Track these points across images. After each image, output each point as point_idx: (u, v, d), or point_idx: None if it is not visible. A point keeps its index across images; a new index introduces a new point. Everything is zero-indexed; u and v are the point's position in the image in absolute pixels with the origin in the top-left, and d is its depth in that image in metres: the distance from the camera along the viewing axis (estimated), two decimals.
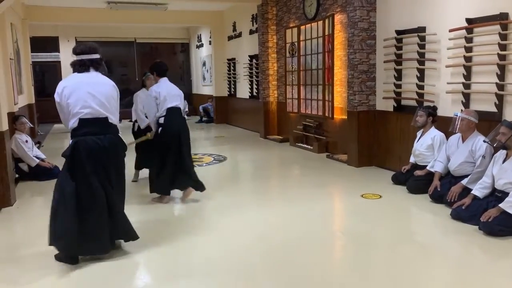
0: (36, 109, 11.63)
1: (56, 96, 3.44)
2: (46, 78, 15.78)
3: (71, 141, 3.38)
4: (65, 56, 14.78)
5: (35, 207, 5.11)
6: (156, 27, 14.83)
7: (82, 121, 3.33)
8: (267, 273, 3.19)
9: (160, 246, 3.70)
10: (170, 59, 18.19)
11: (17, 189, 5.57)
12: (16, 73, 9.05)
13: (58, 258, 3.38)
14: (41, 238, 4.00)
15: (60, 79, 14.53)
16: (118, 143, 3.49)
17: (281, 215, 4.55)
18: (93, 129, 3.34)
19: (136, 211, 4.69)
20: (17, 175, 6.07)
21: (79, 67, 3.48)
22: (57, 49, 14.76)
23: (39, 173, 6.17)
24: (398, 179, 5.40)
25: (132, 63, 16.18)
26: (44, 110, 13.78)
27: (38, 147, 7.16)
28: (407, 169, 5.36)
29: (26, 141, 6.26)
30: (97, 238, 3.33)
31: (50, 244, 3.38)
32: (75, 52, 3.54)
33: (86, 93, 3.35)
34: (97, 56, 3.53)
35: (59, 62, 14.80)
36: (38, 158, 6.33)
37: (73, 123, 3.36)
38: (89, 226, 3.28)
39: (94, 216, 3.31)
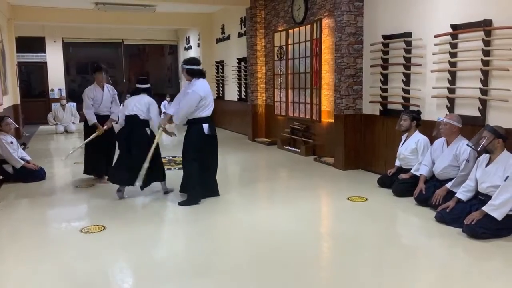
0: (21, 110, 11.48)
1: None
2: (32, 78, 15.60)
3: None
4: (52, 56, 14.66)
5: (20, 209, 5.04)
6: (144, 28, 14.76)
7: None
8: (253, 275, 3.20)
9: (147, 248, 3.69)
10: (158, 61, 18.13)
11: (1, 190, 5.50)
12: (1, 73, 8.93)
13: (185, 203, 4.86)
14: (26, 239, 3.96)
15: (47, 79, 14.63)
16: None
17: (268, 217, 4.57)
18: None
19: (118, 210, 4.66)
20: (1, 177, 5.98)
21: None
22: (43, 50, 14.59)
23: (24, 174, 6.09)
24: (384, 182, 5.46)
25: (120, 64, 16.08)
26: (29, 111, 13.64)
27: (23, 149, 7.07)
28: (392, 172, 5.43)
29: (11, 142, 6.18)
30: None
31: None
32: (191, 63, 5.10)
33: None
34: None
35: (46, 62, 14.64)
36: (23, 159, 6.25)
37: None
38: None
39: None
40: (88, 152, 6.16)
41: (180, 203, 4.90)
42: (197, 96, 4.87)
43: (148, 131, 5.29)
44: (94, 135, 5.90)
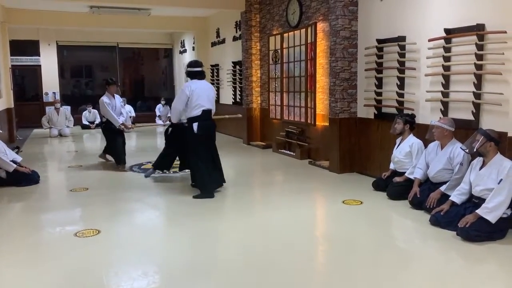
0: (15, 114, 11.41)
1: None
2: (26, 82, 15.53)
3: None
4: (46, 60, 14.60)
5: (13, 213, 5.02)
6: (139, 32, 14.74)
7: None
8: (249, 279, 3.19)
9: (142, 251, 3.68)
10: (153, 65, 18.12)
11: None
12: None
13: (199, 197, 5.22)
14: (19, 244, 3.94)
15: (41, 83, 14.59)
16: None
17: (263, 221, 4.57)
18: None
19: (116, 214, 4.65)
20: None
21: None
22: (37, 53, 14.53)
23: (18, 178, 6.01)
24: (378, 185, 5.47)
25: (114, 68, 16.05)
26: (23, 114, 13.57)
27: (17, 152, 7.03)
28: (387, 176, 5.44)
29: None
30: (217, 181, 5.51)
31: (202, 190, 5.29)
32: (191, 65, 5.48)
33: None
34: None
35: (40, 66, 14.57)
36: (14, 162, 6.15)
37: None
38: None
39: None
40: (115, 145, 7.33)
41: (194, 196, 5.25)
42: (183, 95, 5.31)
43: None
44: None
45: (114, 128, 7.13)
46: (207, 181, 5.32)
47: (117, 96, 7.50)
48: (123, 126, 7.22)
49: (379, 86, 6.09)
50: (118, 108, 7.42)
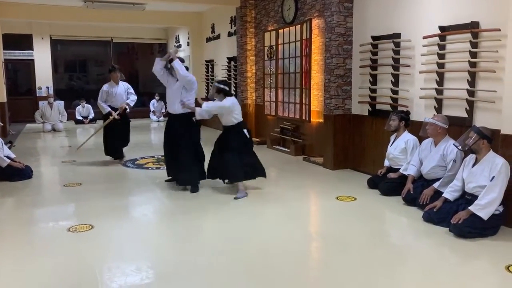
0: (8, 108, 11.32)
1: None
2: (19, 76, 15.40)
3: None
4: (39, 54, 14.49)
5: (5, 208, 4.98)
6: (133, 27, 14.66)
7: None
8: (242, 275, 3.20)
9: (135, 248, 3.67)
10: (147, 60, 18.01)
11: None
12: None
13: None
14: (12, 239, 3.92)
15: (34, 77, 14.48)
16: None
17: (257, 217, 4.57)
18: None
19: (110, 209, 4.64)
20: None
21: None
22: (31, 47, 14.41)
23: (10, 173, 5.98)
24: (375, 183, 5.42)
25: (108, 62, 15.93)
26: (16, 109, 13.46)
27: (10, 147, 6.97)
28: (383, 173, 5.44)
29: None
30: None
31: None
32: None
33: None
34: None
35: (33, 60, 14.46)
36: (8, 157, 6.14)
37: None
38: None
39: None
40: (107, 138, 7.30)
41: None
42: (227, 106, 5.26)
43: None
44: (108, 120, 7.07)
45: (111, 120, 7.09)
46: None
47: (122, 83, 7.37)
48: (116, 116, 7.10)
49: (374, 83, 6.10)
50: (119, 95, 7.25)
